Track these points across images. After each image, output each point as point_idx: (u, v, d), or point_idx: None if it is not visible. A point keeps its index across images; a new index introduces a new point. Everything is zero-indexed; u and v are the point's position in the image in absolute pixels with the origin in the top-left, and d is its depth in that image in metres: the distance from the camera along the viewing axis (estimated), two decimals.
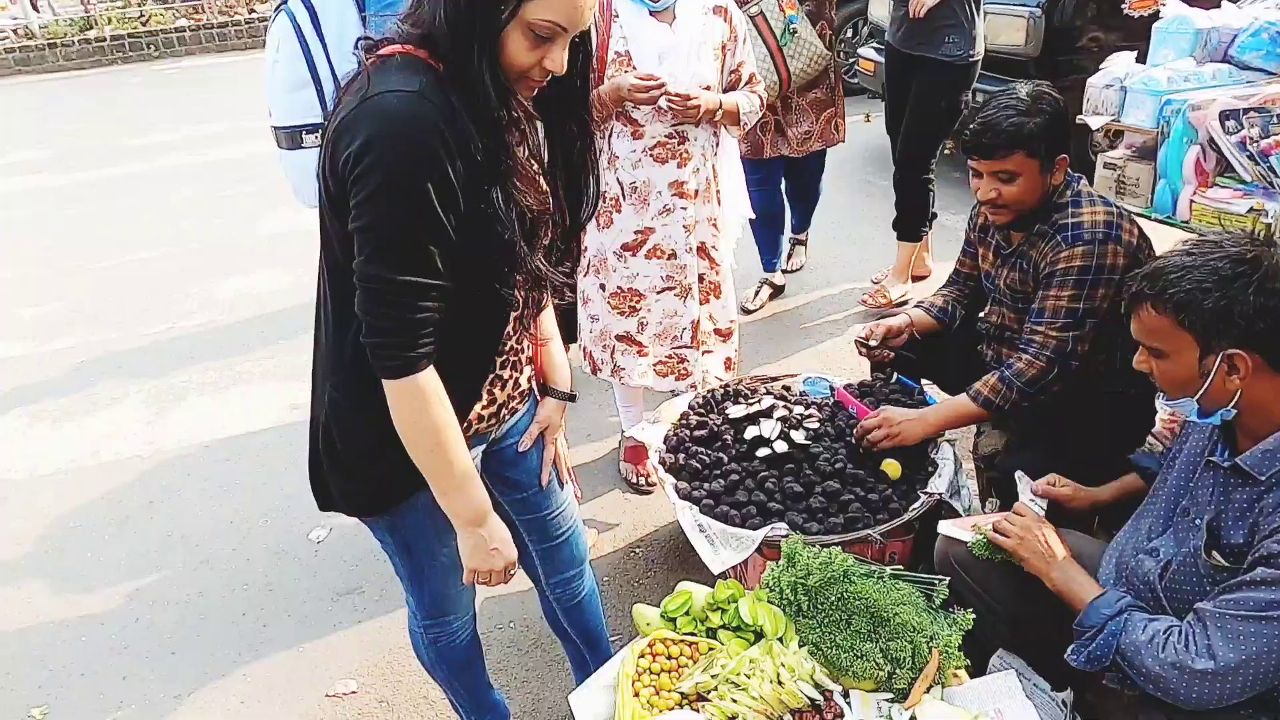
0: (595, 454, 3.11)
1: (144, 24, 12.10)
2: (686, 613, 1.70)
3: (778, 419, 2.27)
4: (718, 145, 2.62)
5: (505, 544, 1.42)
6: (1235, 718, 1.33)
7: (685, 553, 2.40)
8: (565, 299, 1.60)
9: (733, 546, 1.97)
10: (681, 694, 1.55)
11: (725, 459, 2.21)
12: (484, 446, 1.54)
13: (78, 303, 4.73)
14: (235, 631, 2.49)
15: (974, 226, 2.36)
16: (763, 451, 2.18)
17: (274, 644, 2.44)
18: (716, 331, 2.74)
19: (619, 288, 2.58)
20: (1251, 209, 2.47)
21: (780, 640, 1.61)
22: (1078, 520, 1.87)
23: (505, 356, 1.47)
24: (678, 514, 2.09)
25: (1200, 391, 1.37)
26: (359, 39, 1.26)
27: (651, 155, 2.45)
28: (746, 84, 2.56)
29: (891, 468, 2.12)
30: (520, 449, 1.61)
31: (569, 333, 2.61)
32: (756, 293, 4.04)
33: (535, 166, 1.34)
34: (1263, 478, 1.34)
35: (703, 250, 2.60)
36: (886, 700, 1.53)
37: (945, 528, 1.81)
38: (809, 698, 1.51)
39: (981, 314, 2.35)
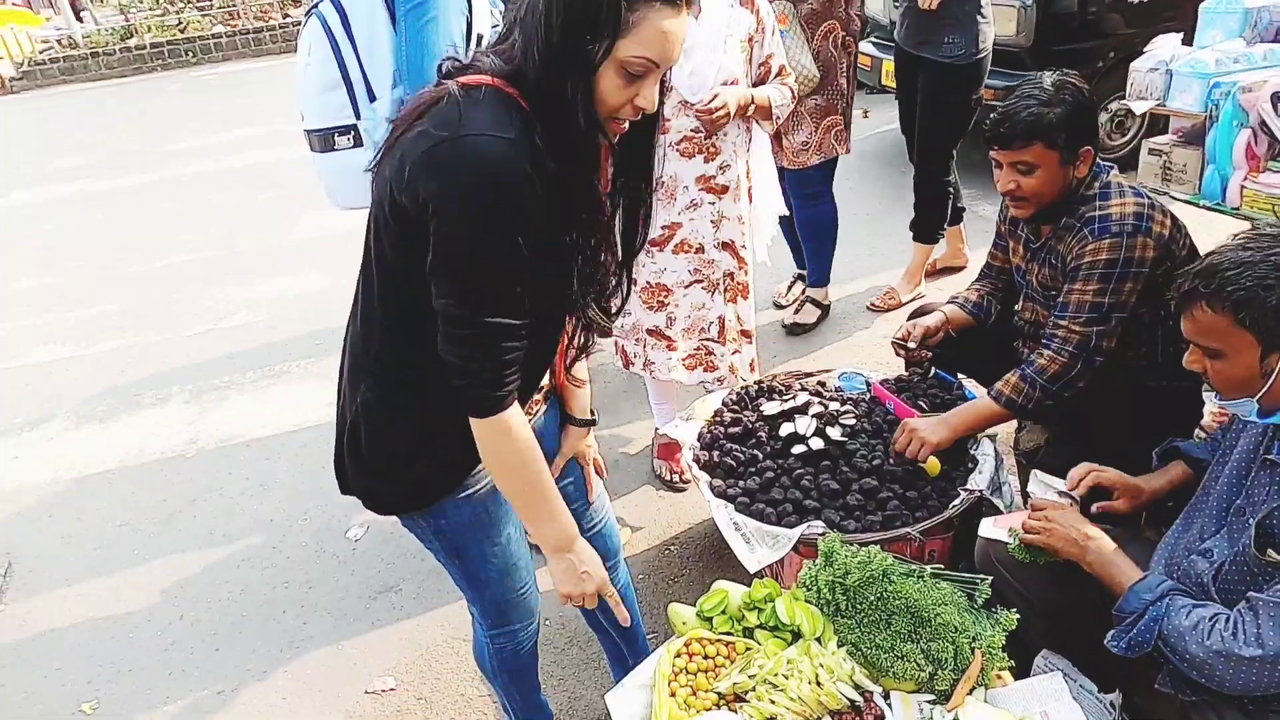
0: (628, 451, 3.11)
1: (182, 31, 12.35)
2: (723, 612, 1.68)
3: (813, 415, 2.24)
4: (750, 141, 2.58)
5: (595, 566, 1.45)
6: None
7: (720, 551, 2.38)
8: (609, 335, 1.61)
9: (769, 545, 1.95)
10: (719, 694, 1.54)
11: (760, 456, 2.18)
12: None
13: (121, 306, 4.84)
14: (276, 629, 2.53)
15: (1004, 219, 2.31)
16: (798, 448, 2.15)
17: (314, 641, 2.47)
18: (743, 333, 2.72)
19: (647, 282, 2.57)
20: None
21: (818, 640, 1.58)
22: (1125, 517, 1.81)
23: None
24: (713, 512, 2.07)
25: (1262, 391, 1.31)
26: (444, 60, 1.26)
27: (678, 150, 2.43)
28: (776, 76, 2.52)
29: (930, 464, 2.08)
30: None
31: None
32: (798, 305, 3.77)
33: (608, 207, 1.33)
34: None
35: (730, 247, 2.58)
36: (928, 702, 1.51)
37: (985, 529, 1.77)
38: (848, 699, 1.49)
39: (1016, 308, 2.29)
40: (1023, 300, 2.25)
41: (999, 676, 1.56)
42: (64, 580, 2.82)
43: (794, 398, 2.34)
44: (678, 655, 1.60)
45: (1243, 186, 2.59)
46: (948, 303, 2.44)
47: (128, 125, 9.05)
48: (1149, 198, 1.97)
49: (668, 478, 2.89)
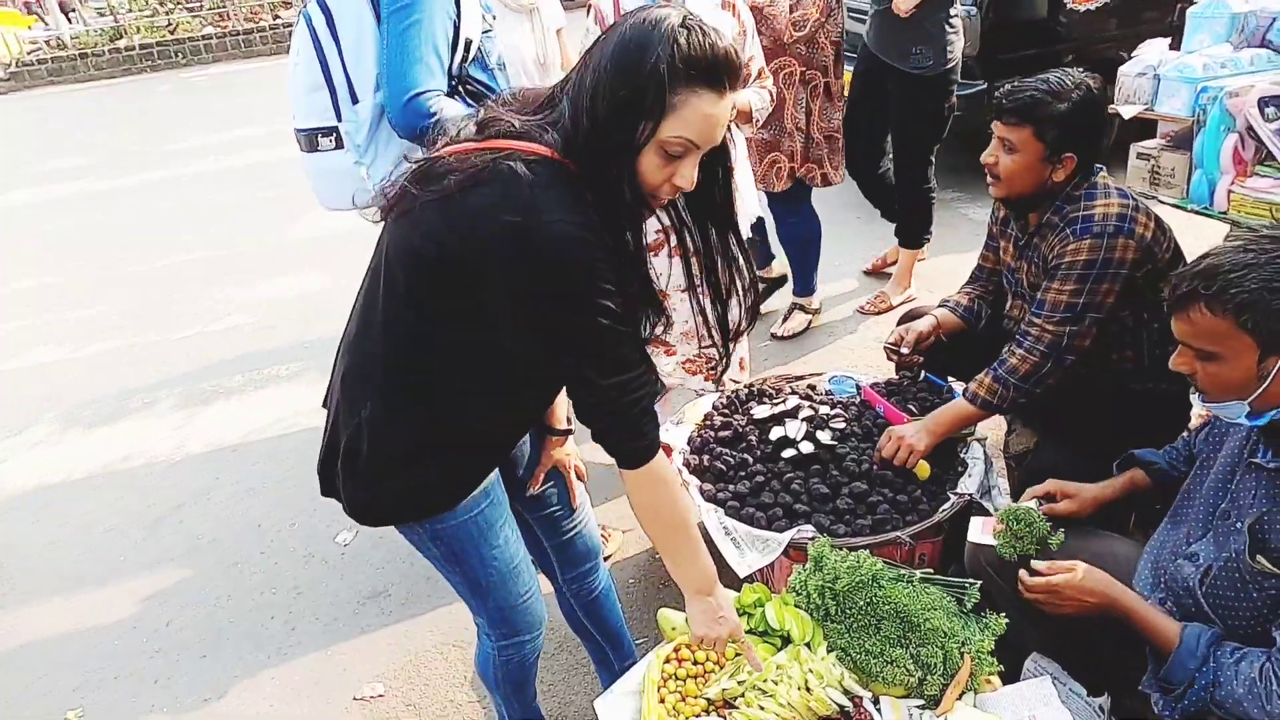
0: None
1: (172, 32, 12.28)
2: None
3: (803, 419, 2.24)
4: (733, 144, 2.60)
5: (731, 611, 1.47)
6: None
7: (711, 555, 2.37)
8: None
9: (759, 549, 1.95)
10: (708, 700, 1.54)
11: (750, 460, 2.18)
12: None
13: (112, 308, 4.81)
14: (264, 634, 2.51)
15: (996, 220, 2.32)
16: (788, 452, 2.15)
17: (302, 647, 2.45)
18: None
19: None
20: None
21: (808, 646, 1.58)
22: (1112, 520, 1.81)
23: None
24: (702, 516, 2.07)
25: (1256, 394, 1.30)
26: (478, 116, 1.29)
27: None
28: (756, 79, 2.54)
29: (920, 468, 2.08)
30: (529, 494, 1.67)
31: None
32: (785, 314, 3.78)
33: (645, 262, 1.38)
34: None
35: None
36: (918, 707, 1.50)
37: (974, 534, 1.76)
38: (838, 704, 1.48)
39: (1006, 307, 2.30)
40: (1011, 299, 2.25)
41: (988, 681, 1.57)
42: (49, 586, 2.79)
43: (784, 401, 2.34)
44: (667, 661, 1.60)
45: (1230, 191, 2.60)
46: (938, 306, 2.45)
47: (119, 127, 8.98)
48: (1134, 199, 1.97)
49: None
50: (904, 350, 2.36)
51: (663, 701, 1.53)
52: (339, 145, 1.99)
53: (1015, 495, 2.32)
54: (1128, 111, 2.96)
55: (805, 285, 3.75)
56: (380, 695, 2.27)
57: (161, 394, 3.89)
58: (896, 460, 2.06)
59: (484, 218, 1.18)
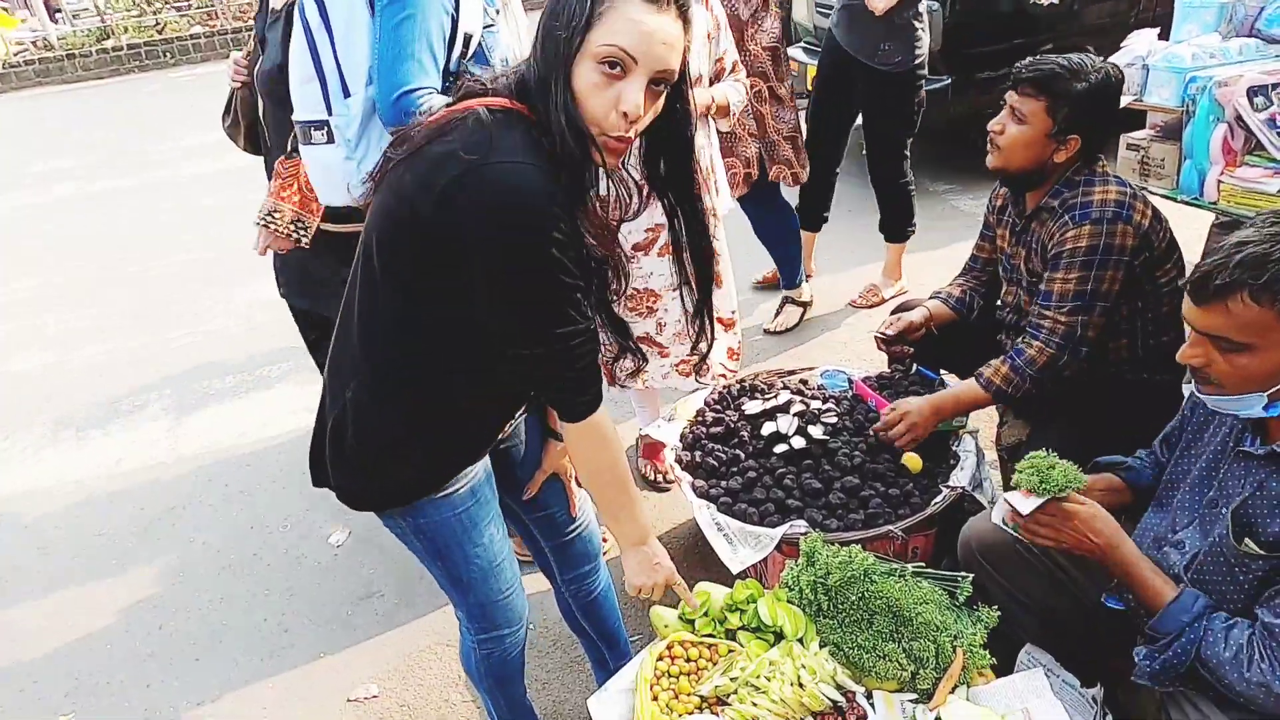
0: None
1: (159, 32, 12.21)
2: (705, 614, 1.68)
3: (795, 414, 2.24)
4: (710, 137, 2.60)
5: (664, 558, 1.53)
6: None
7: (704, 552, 2.37)
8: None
9: (751, 545, 1.94)
10: (701, 697, 1.53)
11: (742, 456, 2.18)
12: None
13: (102, 311, 4.78)
14: (257, 637, 2.50)
15: (992, 209, 2.31)
16: (780, 448, 2.15)
17: (295, 649, 2.44)
18: (719, 321, 2.71)
19: (635, 289, 2.55)
20: None
21: (800, 641, 1.58)
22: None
23: None
24: (695, 512, 2.07)
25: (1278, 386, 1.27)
26: (466, 79, 1.29)
27: None
28: (730, 72, 2.54)
29: (912, 461, 2.08)
30: (524, 498, 1.67)
31: None
32: (777, 309, 3.82)
33: (604, 212, 1.37)
34: None
35: None
36: (910, 701, 1.50)
37: (999, 514, 1.61)
38: (830, 699, 1.48)
39: (1000, 295, 2.30)
40: (1006, 285, 2.25)
41: (981, 674, 1.56)
42: (41, 591, 2.78)
43: (776, 396, 2.34)
44: (660, 658, 1.59)
45: (1220, 181, 2.60)
46: (930, 298, 2.45)
47: (107, 128, 8.92)
48: (1131, 188, 1.97)
49: (652, 477, 2.88)
50: (889, 332, 2.35)
51: (656, 699, 1.52)
52: (330, 140, 1.96)
53: (1006, 488, 2.32)
54: None
55: (792, 278, 3.76)
56: (374, 696, 2.26)
57: (152, 397, 3.87)
58: (893, 434, 2.06)
59: (444, 163, 1.18)
